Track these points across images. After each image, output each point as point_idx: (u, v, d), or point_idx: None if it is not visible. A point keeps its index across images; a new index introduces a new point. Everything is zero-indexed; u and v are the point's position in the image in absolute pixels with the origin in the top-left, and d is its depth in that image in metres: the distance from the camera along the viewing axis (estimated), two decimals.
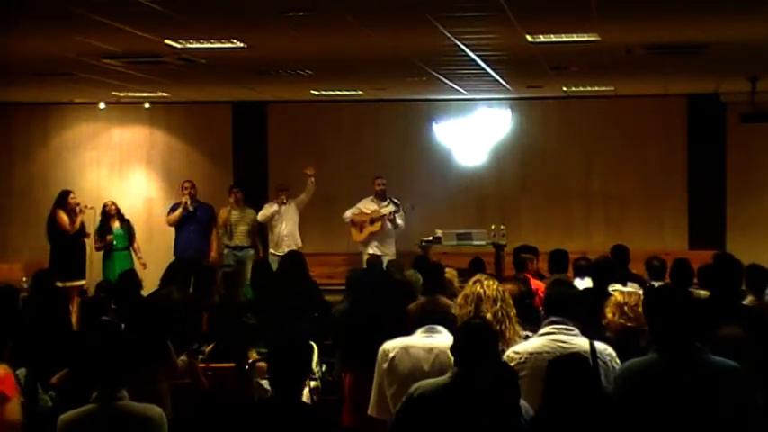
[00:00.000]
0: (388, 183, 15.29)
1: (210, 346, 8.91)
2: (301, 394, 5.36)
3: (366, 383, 6.35)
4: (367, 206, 15.01)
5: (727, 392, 4.79)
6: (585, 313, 6.00)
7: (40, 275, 11.35)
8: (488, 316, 6.04)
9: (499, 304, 6.13)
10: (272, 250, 15.12)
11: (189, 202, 15.11)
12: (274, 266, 12.57)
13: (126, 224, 14.88)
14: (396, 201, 15.00)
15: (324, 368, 9.12)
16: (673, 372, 4.85)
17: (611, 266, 9.19)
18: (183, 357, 8.00)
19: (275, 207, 15.20)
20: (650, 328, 5.06)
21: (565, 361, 4.83)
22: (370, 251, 14.59)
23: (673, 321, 4.91)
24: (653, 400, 4.84)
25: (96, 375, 5.66)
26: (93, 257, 14.83)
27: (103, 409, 5.57)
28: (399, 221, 14.94)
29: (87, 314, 8.52)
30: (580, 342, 5.62)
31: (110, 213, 14.81)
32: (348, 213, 15.01)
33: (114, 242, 14.68)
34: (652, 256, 10.74)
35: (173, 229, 15.34)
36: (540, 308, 8.09)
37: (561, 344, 5.60)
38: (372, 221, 14.86)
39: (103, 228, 14.73)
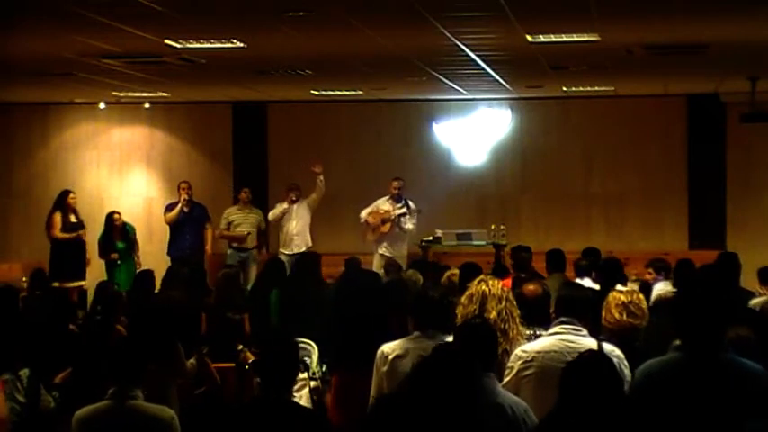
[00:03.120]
0: (388, 183, 15.25)
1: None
2: (292, 393, 5.31)
3: (351, 385, 6.37)
4: (382, 206, 14.93)
5: (753, 393, 4.85)
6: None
7: (37, 275, 11.37)
8: (493, 314, 6.05)
9: (504, 303, 6.14)
10: (281, 249, 15.06)
11: (185, 203, 15.06)
12: None
13: (126, 236, 14.70)
14: (410, 204, 14.88)
15: (324, 368, 9.10)
16: (701, 371, 4.91)
17: (619, 267, 9.19)
18: (191, 360, 7.99)
19: (285, 206, 15.16)
20: (680, 329, 5.08)
21: (584, 360, 4.79)
22: (381, 252, 14.60)
23: (703, 323, 4.97)
24: (680, 399, 4.89)
25: (112, 373, 5.67)
26: (97, 260, 14.81)
27: (117, 407, 5.59)
28: (408, 225, 14.79)
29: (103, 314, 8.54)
30: (588, 342, 5.63)
31: (117, 227, 14.66)
32: (363, 213, 14.88)
33: (119, 260, 14.59)
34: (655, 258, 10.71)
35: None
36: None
37: (569, 344, 5.62)
38: (384, 222, 14.82)
39: (107, 242, 14.58)
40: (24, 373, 6.75)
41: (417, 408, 4.44)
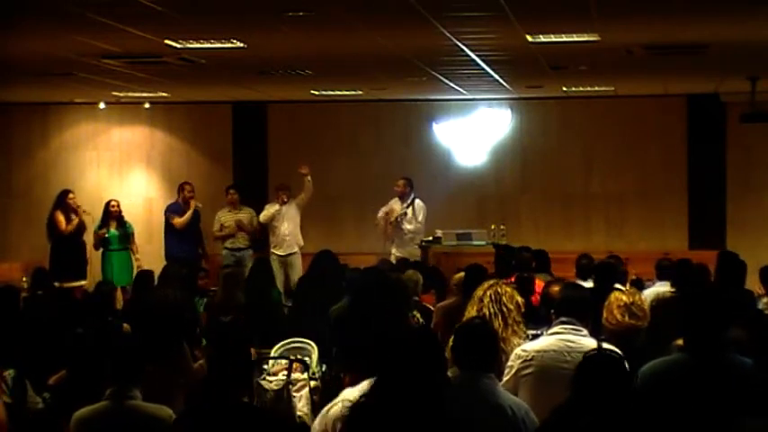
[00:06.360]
0: (388, 183, 15.22)
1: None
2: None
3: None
4: (394, 206, 14.92)
5: (755, 393, 4.87)
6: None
7: (38, 275, 11.35)
8: (472, 312, 6.11)
9: (486, 301, 6.20)
10: (273, 250, 15.07)
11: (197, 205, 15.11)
12: (276, 266, 12.58)
13: (123, 227, 14.76)
14: (416, 204, 14.83)
15: (324, 368, 9.10)
16: (706, 372, 4.95)
17: (615, 269, 9.19)
18: (201, 362, 7.96)
19: (276, 207, 15.14)
20: (683, 330, 5.10)
21: (598, 357, 4.77)
22: (393, 251, 14.59)
23: (707, 324, 5.01)
24: (685, 400, 4.92)
25: (111, 373, 5.67)
26: (94, 258, 14.80)
27: (115, 408, 5.60)
28: (405, 226, 14.76)
29: (91, 314, 8.51)
30: (588, 342, 5.64)
31: (112, 213, 14.72)
32: (380, 213, 14.90)
33: (111, 243, 14.61)
34: (662, 257, 10.70)
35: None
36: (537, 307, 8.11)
37: (569, 343, 5.63)
38: (390, 223, 14.85)
39: (102, 225, 14.66)
40: (9, 373, 6.70)
41: (386, 394, 4.42)
